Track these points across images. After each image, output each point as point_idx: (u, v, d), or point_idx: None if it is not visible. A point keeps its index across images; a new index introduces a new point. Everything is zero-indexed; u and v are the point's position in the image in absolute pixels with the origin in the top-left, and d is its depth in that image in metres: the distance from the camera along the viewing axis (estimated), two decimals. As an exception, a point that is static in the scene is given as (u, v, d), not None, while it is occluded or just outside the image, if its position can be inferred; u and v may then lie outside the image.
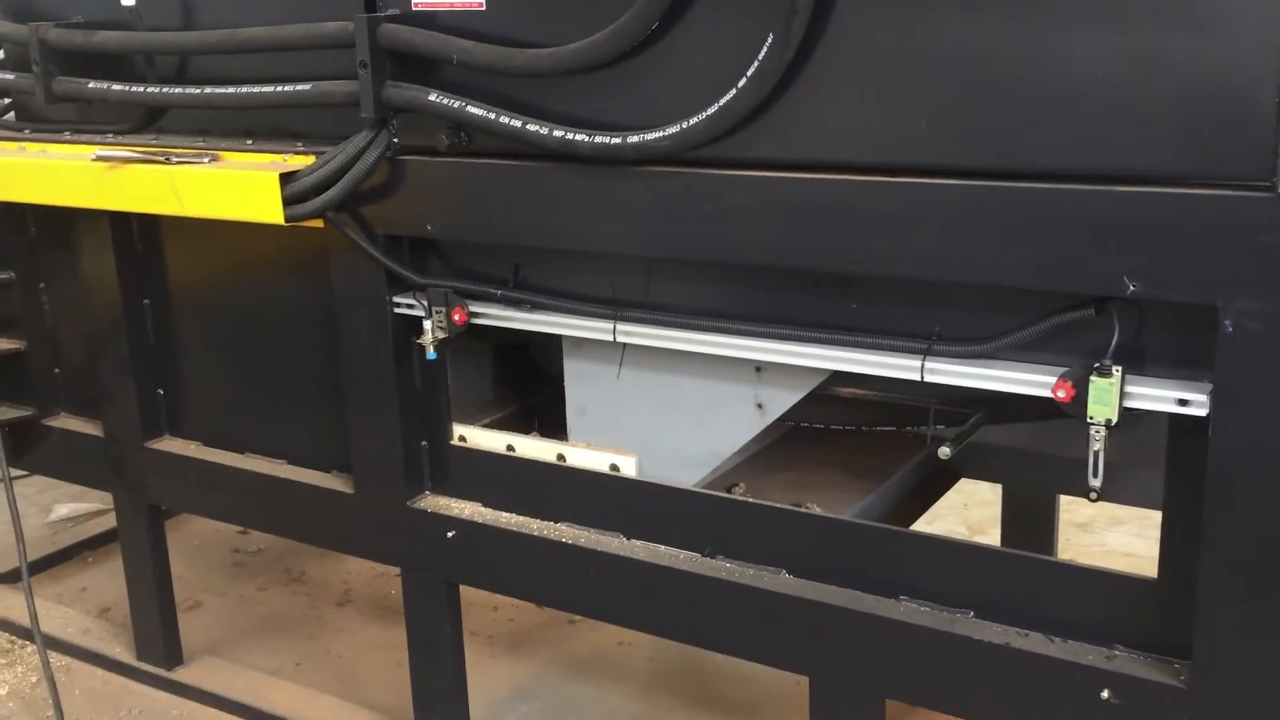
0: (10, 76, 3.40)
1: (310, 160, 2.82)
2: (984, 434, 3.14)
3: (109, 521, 4.97)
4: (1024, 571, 2.30)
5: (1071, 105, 1.96)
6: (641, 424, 2.80)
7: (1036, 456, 3.26)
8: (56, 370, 3.78)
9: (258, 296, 3.26)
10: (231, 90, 2.87)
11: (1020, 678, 2.23)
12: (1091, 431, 2.04)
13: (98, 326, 3.50)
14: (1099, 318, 2.06)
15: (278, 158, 2.90)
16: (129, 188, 3.02)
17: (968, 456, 3.27)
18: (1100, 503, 3.59)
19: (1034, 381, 2.13)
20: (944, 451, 2.68)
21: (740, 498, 2.73)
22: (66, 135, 3.38)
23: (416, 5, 2.60)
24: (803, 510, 2.62)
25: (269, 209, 2.79)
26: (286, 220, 2.78)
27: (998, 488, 3.99)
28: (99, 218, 3.33)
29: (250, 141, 3.02)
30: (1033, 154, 2.01)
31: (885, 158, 2.15)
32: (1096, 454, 2.05)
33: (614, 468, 2.80)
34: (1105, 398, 2.00)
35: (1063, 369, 2.10)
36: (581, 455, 2.84)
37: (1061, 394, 2.05)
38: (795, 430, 3.27)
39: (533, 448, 2.91)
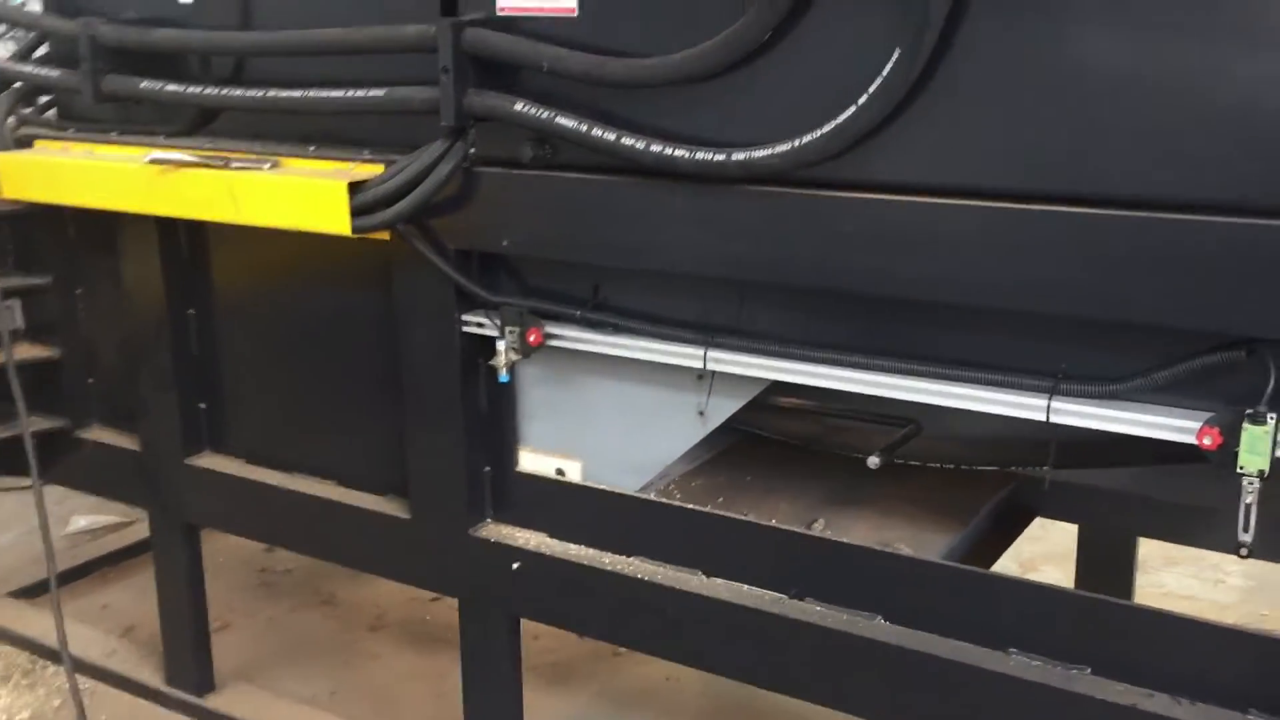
0: (55, 73, 3.26)
1: (377, 169, 2.69)
2: (1062, 472, 3.02)
3: (130, 535, 4.84)
4: (1148, 627, 2.15)
5: (1230, 132, 1.83)
6: (588, 429, 2.78)
7: (1116, 496, 3.12)
8: (90, 380, 3.63)
9: (309, 309, 3.12)
10: (298, 94, 2.73)
11: (1145, 741, 2.09)
12: (1244, 484, 1.89)
13: (138, 336, 3.35)
14: (1249, 359, 1.92)
15: (343, 165, 2.77)
16: (183, 193, 2.88)
17: (1044, 495, 3.15)
18: (1153, 541, 3.49)
19: (1172, 426, 1.99)
20: (873, 461, 2.60)
21: (828, 536, 2.58)
22: (113, 136, 3.23)
23: (502, 10, 2.47)
24: (899, 553, 2.49)
25: (335, 220, 2.65)
26: (354, 232, 2.64)
27: (1046, 522, 3.86)
28: (145, 223, 3.19)
29: (312, 148, 2.87)
30: (1184, 184, 1.88)
31: (1016, 183, 2.01)
32: (1249, 507, 1.90)
33: (560, 472, 2.81)
34: (1259, 446, 1.86)
35: (1205, 414, 1.96)
36: (529, 459, 2.85)
37: (1207, 441, 1.91)
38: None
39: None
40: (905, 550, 2.55)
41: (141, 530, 4.81)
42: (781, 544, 2.55)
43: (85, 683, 3.73)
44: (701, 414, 2.66)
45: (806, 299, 2.35)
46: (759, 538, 2.57)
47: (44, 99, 3.61)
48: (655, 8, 2.29)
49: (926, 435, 2.81)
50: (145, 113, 3.22)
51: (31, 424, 3.43)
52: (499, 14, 2.47)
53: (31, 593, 4.37)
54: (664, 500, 2.72)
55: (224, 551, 4.71)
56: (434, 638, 4.05)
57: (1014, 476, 2.98)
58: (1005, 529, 3.06)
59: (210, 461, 3.37)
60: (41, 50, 3.49)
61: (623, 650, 3.86)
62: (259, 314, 3.24)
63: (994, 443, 2.75)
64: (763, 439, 3.22)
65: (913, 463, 3.09)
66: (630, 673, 3.79)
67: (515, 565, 2.77)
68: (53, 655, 3.91)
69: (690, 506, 2.66)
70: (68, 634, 3.85)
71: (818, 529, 2.72)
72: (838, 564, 2.47)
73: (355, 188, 2.64)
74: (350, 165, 2.75)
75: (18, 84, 3.49)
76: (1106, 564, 3.38)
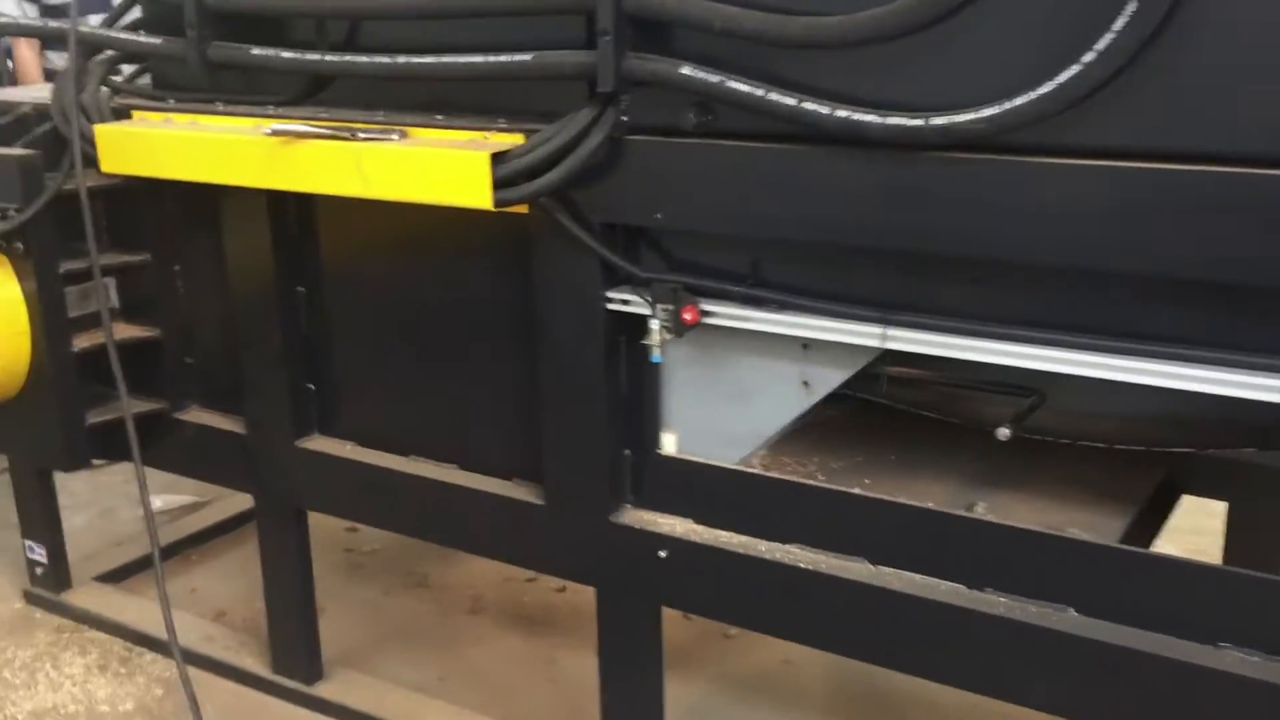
0: (156, 41, 3.12)
1: (512, 139, 2.54)
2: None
3: (209, 516, 4.73)
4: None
5: None
6: (683, 401, 2.67)
7: (1269, 472, 2.99)
8: (189, 360, 3.50)
9: (427, 285, 2.98)
10: (432, 60, 2.58)
11: (1385, 742, 1.97)
12: None
13: (245, 314, 3.22)
14: None
15: (476, 135, 2.62)
16: (306, 166, 2.74)
17: (1194, 473, 3.02)
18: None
19: None
20: (1003, 433, 2.48)
21: (993, 520, 2.45)
22: (218, 106, 3.09)
23: (658, -33, 2.31)
24: (1082, 539, 2.35)
25: (475, 193, 2.51)
26: (495, 206, 2.51)
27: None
28: (254, 197, 3.05)
29: (440, 116, 2.73)
30: None
31: (1261, 147, 1.86)
32: None
33: None
34: None
35: None
36: None
37: None
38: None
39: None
40: (1084, 535, 2.42)
41: (220, 510, 4.73)
42: (949, 529, 2.41)
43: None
44: (806, 384, 2.54)
45: (996, 272, 2.21)
46: (924, 523, 2.43)
47: (133, 67, 3.48)
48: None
49: (1099, 413, 2.67)
50: (249, 81, 3.08)
51: (130, 406, 3.32)
52: (654, -28, 2.32)
53: (116, 577, 4.28)
54: (821, 484, 2.59)
55: (306, 533, 4.62)
56: (535, 620, 3.94)
57: (1171, 455, 2.84)
58: (1160, 510, 2.94)
59: (321, 444, 3.25)
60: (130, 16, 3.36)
61: (734, 632, 3.75)
62: (372, 291, 3.11)
63: (1179, 423, 2.60)
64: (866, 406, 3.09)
65: (1049, 440, 2.96)
66: (744, 657, 3.68)
67: (662, 553, 2.65)
68: (149, 642, 3.83)
69: (850, 491, 2.54)
70: (162, 621, 3.77)
71: (980, 511, 2.60)
72: (1014, 551, 2.34)
73: (497, 159, 2.50)
74: (485, 135, 2.61)
75: (109, 52, 3.36)
76: (1257, 543, 3.23)
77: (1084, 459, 2.85)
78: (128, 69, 3.45)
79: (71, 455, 3.40)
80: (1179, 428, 2.60)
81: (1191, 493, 3.12)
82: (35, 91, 3.89)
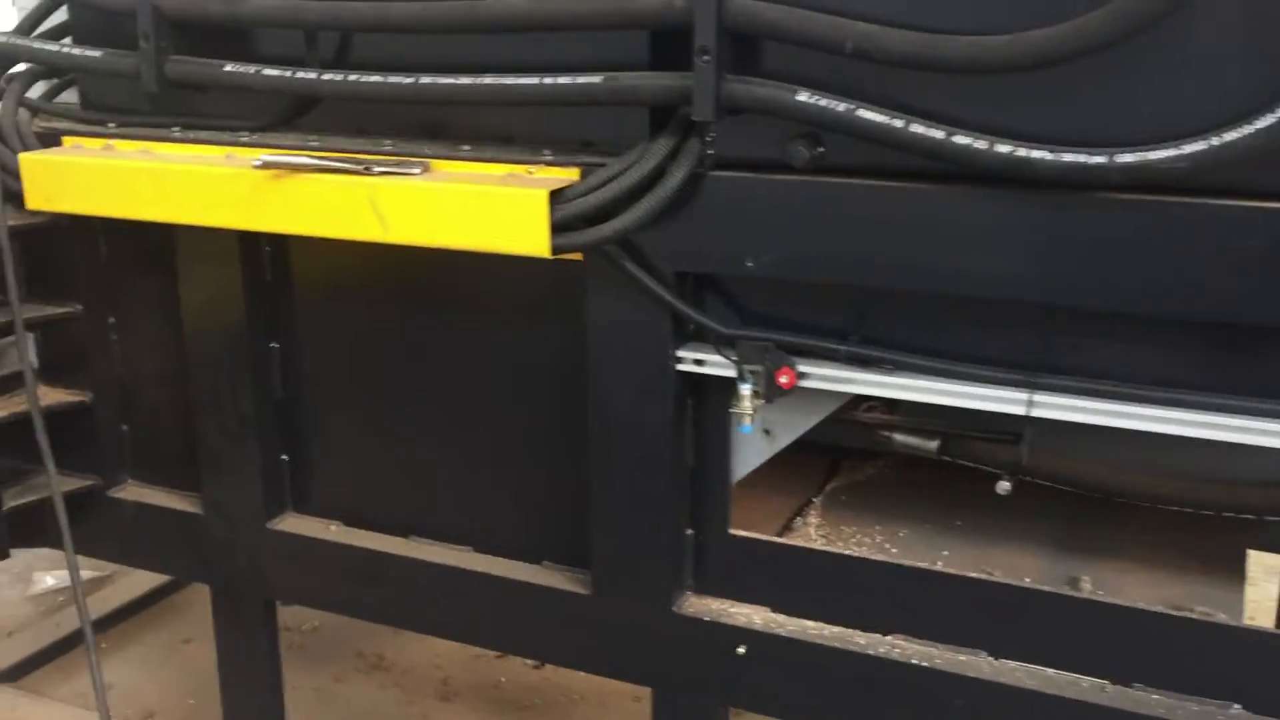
0: (96, 54, 2.63)
1: (566, 174, 2.18)
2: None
3: (117, 594, 4.16)
4: None
5: None
6: None
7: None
8: (125, 428, 2.99)
9: (436, 339, 2.58)
10: (470, 82, 2.18)
11: None
12: None
13: (204, 374, 2.74)
14: None
15: (517, 168, 2.24)
16: (302, 205, 2.32)
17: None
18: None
19: None
20: (1003, 486, 2.33)
21: (1105, 599, 2.19)
22: (176, 133, 2.61)
23: (761, -25, 1.98)
24: (1223, 622, 2.11)
25: (528, 238, 2.14)
26: (554, 253, 2.14)
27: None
28: (223, 238, 2.59)
29: (467, 146, 2.34)
30: None
31: None
32: None
33: None
34: None
35: None
36: None
37: None
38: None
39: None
40: (1220, 617, 2.18)
41: (129, 588, 4.16)
42: (1074, 614, 2.15)
43: (122, 791, 3.12)
44: (768, 432, 2.30)
45: (1171, 330, 1.94)
46: (1043, 607, 2.16)
47: (47, 84, 2.95)
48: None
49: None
50: (211, 103, 2.62)
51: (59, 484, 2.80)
52: (755, -19, 1.99)
53: (10, 676, 3.69)
54: (920, 566, 2.28)
55: (233, 608, 4.08)
56: (518, 705, 3.53)
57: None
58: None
59: (297, 525, 2.79)
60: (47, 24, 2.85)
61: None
62: (362, 345, 2.68)
63: None
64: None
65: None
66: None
67: (741, 649, 2.30)
68: (70, 757, 3.28)
69: (962, 574, 2.24)
70: (77, 726, 3.24)
71: (1087, 588, 2.33)
72: (1155, 639, 2.09)
73: (555, 198, 2.12)
74: (529, 169, 2.23)
75: (24, 65, 2.85)
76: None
77: (1163, 518, 2.63)
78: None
79: (-14, 545, 2.85)
80: None
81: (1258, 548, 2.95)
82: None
